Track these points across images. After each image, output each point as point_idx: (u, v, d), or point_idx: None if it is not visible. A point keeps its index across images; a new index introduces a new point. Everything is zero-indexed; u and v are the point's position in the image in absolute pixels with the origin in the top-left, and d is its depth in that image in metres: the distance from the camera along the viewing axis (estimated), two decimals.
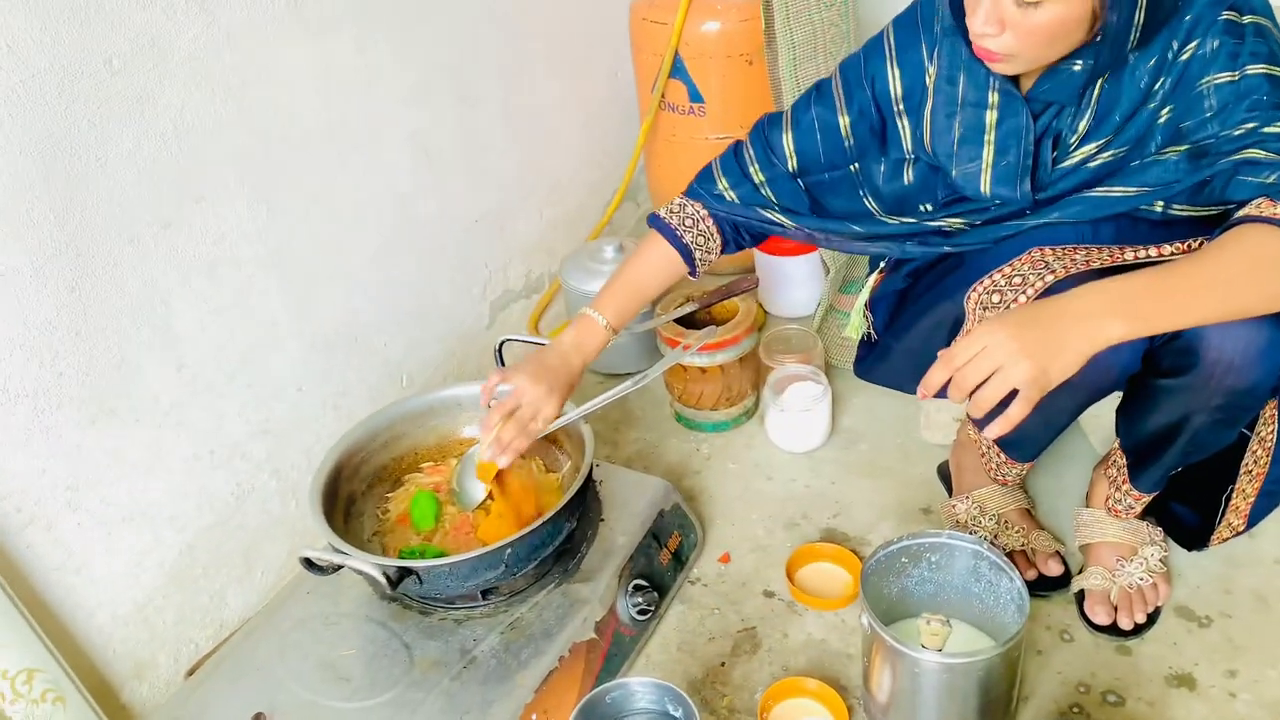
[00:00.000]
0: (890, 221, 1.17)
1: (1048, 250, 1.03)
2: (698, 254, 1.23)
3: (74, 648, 1.12)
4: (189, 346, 1.19)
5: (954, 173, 1.10)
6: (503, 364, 1.37)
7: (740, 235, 1.25)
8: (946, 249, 1.15)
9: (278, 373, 1.32)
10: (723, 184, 1.22)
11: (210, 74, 1.14)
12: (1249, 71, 0.92)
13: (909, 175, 1.15)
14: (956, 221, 1.13)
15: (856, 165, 1.17)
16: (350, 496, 1.25)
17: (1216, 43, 0.93)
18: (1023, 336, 0.87)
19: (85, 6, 1.00)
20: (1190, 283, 0.88)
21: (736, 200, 1.21)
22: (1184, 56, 0.95)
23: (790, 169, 1.19)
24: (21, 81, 0.96)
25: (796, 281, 1.76)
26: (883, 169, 1.16)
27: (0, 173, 0.96)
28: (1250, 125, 0.92)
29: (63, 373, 1.05)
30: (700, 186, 1.24)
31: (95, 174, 1.04)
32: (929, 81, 1.10)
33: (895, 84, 1.12)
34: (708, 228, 1.23)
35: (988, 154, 1.06)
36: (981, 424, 0.93)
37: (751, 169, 1.20)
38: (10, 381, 1.00)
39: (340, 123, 1.35)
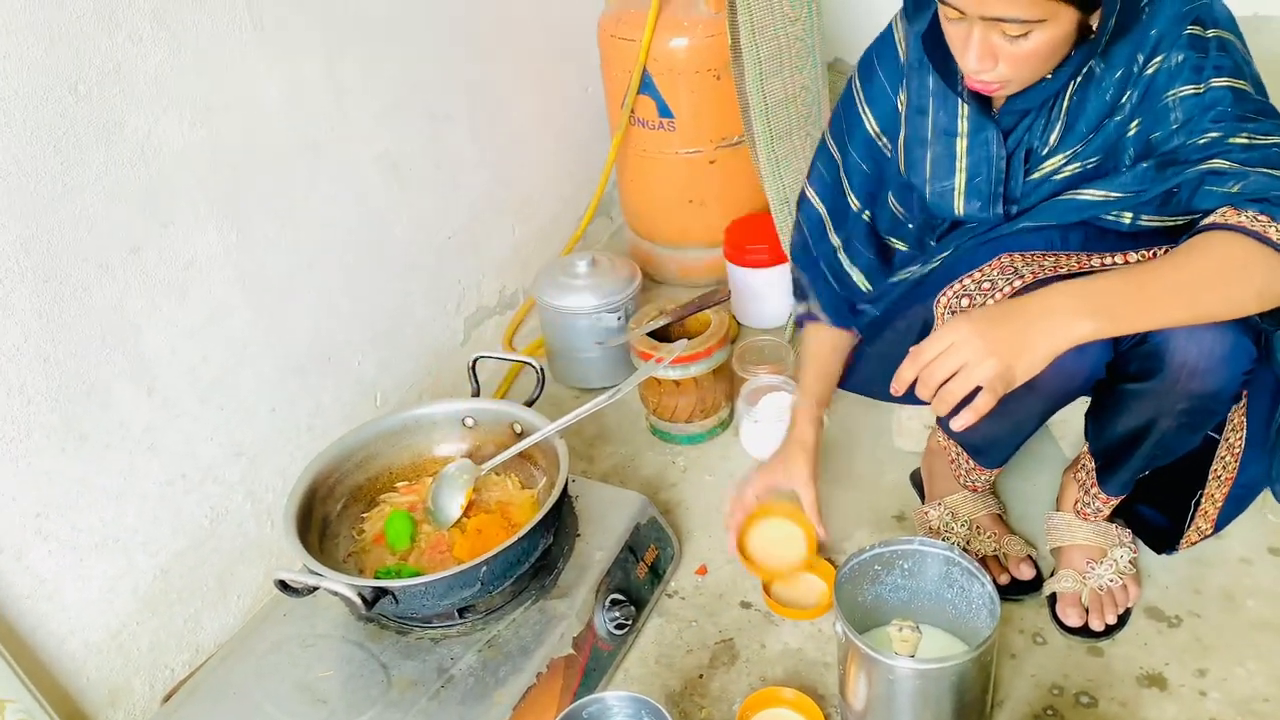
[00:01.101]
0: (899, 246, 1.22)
1: (1016, 256, 1.05)
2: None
3: (47, 677, 1.11)
4: (160, 370, 1.18)
5: (929, 195, 1.13)
6: (477, 382, 1.37)
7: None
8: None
9: (250, 394, 1.32)
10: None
11: (177, 97, 1.14)
12: (1213, 84, 0.95)
13: (894, 204, 1.19)
14: (947, 251, 1.15)
15: (869, 213, 1.21)
16: (325, 517, 1.25)
17: (1181, 56, 0.95)
18: (989, 334, 0.89)
19: (50, 32, 1.00)
20: (1157, 285, 0.90)
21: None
22: (1149, 70, 0.97)
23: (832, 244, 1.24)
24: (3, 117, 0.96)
25: (768, 293, 1.77)
26: (890, 199, 1.20)
27: None
28: (1214, 135, 0.94)
29: (31, 399, 1.04)
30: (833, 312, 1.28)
31: (62, 199, 1.04)
32: (900, 109, 1.13)
33: (870, 122, 1.17)
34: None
35: (960, 180, 1.09)
36: (946, 421, 0.94)
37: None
38: None
39: (310, 143, 1.35)
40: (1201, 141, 0.95)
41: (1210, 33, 0.96)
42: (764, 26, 1.60)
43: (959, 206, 1.10)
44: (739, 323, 1.84)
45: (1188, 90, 0.96)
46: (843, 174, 1.21)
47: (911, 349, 0.93)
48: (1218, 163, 0.94)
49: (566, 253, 1.97)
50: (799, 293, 1.32)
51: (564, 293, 1.67)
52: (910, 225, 1.19)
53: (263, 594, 1.36)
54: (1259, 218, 0.88)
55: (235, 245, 1.26)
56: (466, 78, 1.65)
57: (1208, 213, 0.93)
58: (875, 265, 1.24)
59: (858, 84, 1.18)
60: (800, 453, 1.28)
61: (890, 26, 1.15)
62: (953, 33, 0.97)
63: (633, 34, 1.75)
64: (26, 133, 0.99)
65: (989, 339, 0.89)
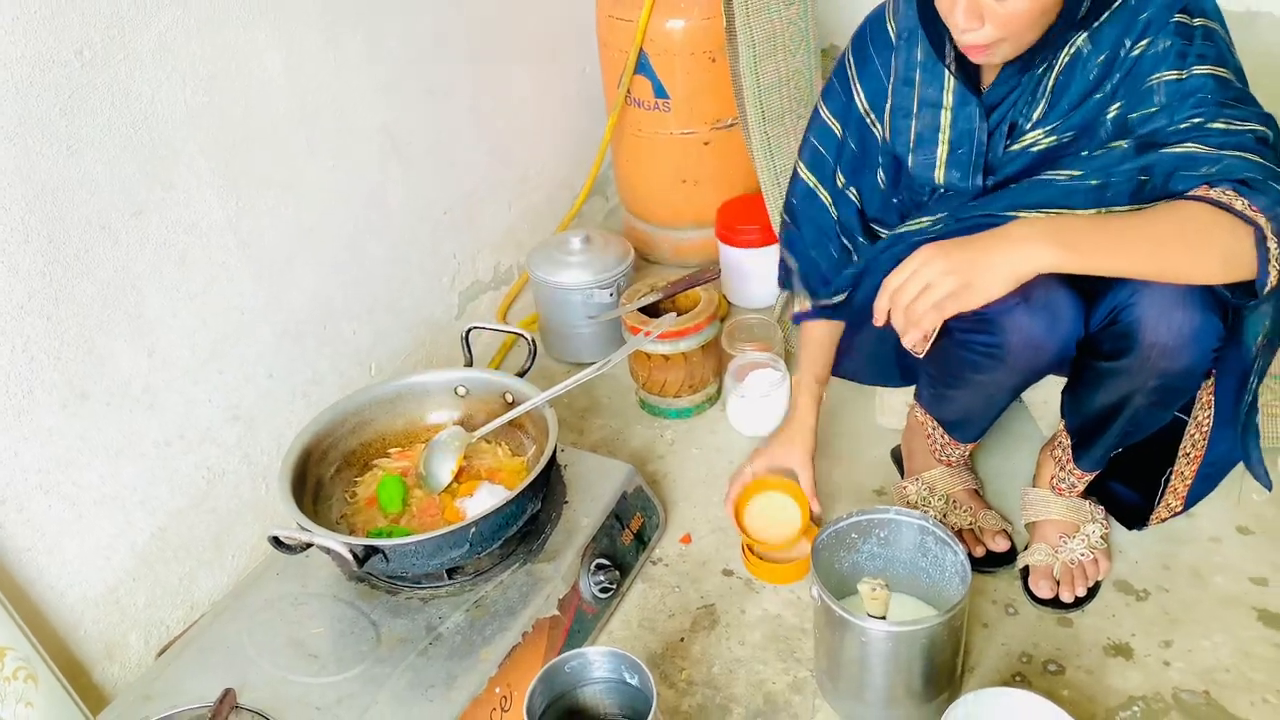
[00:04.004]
0: (886, 235, 1.24)
1: None
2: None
3: (45, 628, 1.14)
4: (161, 332, 1.21)
5: (910, 164, 1.15)
6: (470, 352, 1.40)
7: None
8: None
9: (248, 359, 1.35)
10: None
11: (180, 64, 1.17)
12: (1195, 71, 0.98)
13: (881, 177, 1.22)
14: (924, 221, 1.17)
15: (854, 189, 1.24)
16: (319, 480, 1.28)
17: (1168, 42, 0.98)
18: (951, 255, 0.95)
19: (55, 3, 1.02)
20: (1123, 229, 0.94)
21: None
22: (1135, 52, 1.00)
23: (826, 204, 1.27)
24: (11, 89, 0.98)
25: (758, 274, 1.80)
26: (878, 176, 1.23)
27: None
28: (1195, 120, 0.97)
29: (34, 357, 1.07)
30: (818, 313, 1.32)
31: (66, 161, 1.06)
32: (888, 86, 1.16)
33: (860, 96, 1.20)
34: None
35: (942, 150, 1.12)
36: (920, 388, 0.98)
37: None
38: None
39: (311, 113, 1.37)
40: (1183, 125, 0.98)
41: (1197, 21, 0.99)
42: (759, 9, 1.63)
43: (940, 176, 1.13)
44: (729, 301, 1.87)
45: (1171, 75, 0.98)
46: (841, 148, 1.24)
47: (889, 276, 0.98)
48: (1193, 147, 0.97)
49: (561, 230, 1.99)
50: (785, 278, 1.35)
51: (558, 269, 1.70)
52: (895, 200, 1.22)
53: (257, 554, 1.39)
54: (1226, 192, 0.92)
55: (236, 212, 1.28)
56: (466, 55, 1.68)
57: (1183, 194, 0.96)
58: (864, 242, 1.27)
59: (851, 63, 1.21)
60: (801, 433, 1.35)
61: (883, 7, 1.18)
62: None
63: (630, 14, 1.77)
64: (33, 95, 1.02)
65: (952, 259, 0.94)
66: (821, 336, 1.34)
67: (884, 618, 1.01)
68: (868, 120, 1.20)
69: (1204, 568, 1.26)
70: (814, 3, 1.70)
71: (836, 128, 1.24)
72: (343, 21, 1.40)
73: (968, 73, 1.08)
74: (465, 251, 1.78)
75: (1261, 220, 0.90)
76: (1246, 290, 0.94)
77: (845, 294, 1.26)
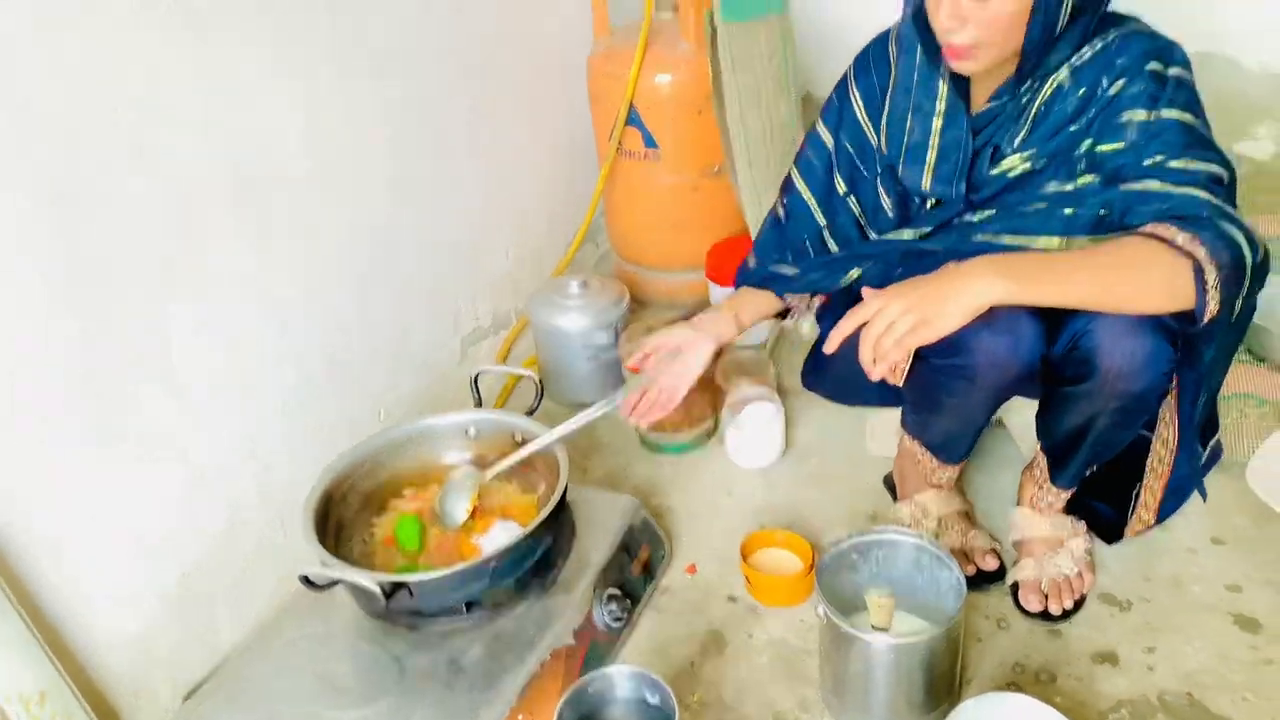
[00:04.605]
0: (872, 239, 1.35)
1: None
2: (796, 306, 1.46)
3: (78, 673, 1.17)
4: (186, 379, 1.26)
5: (900, 169, 1.26)
6: (479, 395, 1.47)
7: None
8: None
9: (266, 404, 1.40)
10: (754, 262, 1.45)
11: (207, 122, 1.23)
12: (1164, 114, 1.08)
13: (881, 189, 1.32)
14: (907, 233, 1.28)
15: (853, 197, 1.35)
16: (339, 521, 1.33)
17: (1142, 86, 1.08)
18: (911, 295, 1.04)
19: (95, 59, 1.08)
20: (1070, 264, 1.04)
21: (760, 275, 1.43)
22: (1112, 92, 1.10)
23: (819, 223, 1.39)
24: (37, 127, 1.04)
25: None
26: (877, 185, 1.33)
27: (18, 210, 1.03)
28: (1159, 158, 1.07)
29: (70, 403, 1.11)
30: (747, 274, 1.45)
31: (103, 213, 1.12)
32: (886, 97, 1.27)
33: (859, 106, 1.31)
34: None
35: (931, 156, 1.23)
36: (905, 416, 1.05)
37: (782, 241, 1.43)
38: (23, 413, 1.07)
39: (326, 167, 1.44)
40: (1146, 162, 1.08)
41: (1170, 71, 1.09)
42: (743, 65, 1.72)
43: (927, 181, 1.23)
44: None
45: (1142, 115, 1.08)
46: (834, 157, 1.35)
47: (853, 309, 1.08)
48: (1151, 184, 1.06)
49: (557, 275, 2.07)
50: (747, 272, 1.46)
51: (558, 312, 1.77)
52: (890, 214, 1.32)
53: (274, 596, 1.43)
54: (1170, 228, 1.01)
55: (257, 261, 1.34)
56: (467, 112, 1.76)
57: (1134, 227, 1.06)
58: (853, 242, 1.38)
59: (852, 77, 1.32)
60: (705, 341, 1.40)
61: (888, 30, 1.28)
62: None
63: (621, 70, 1.86)
64: (72, 152, 1.07)
65: (909, 299, 1.04)
66: (755, 295, 1.44)
67: (888, 629, 1.08)
68: (865, 130, 1.31)
69: (1182, 577, 1.34)
70: (794, 56, 1.80)
71: (828, 139, 1.35)
72: (356, 83, 1.48)
73: (960, 92, 1.19)
74: (466, 297, 1.85)
75: (1200, 253, 0.99)
76: (1191, 318, 1.03)
77: (797, 271, 1.38)
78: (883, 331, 1.05)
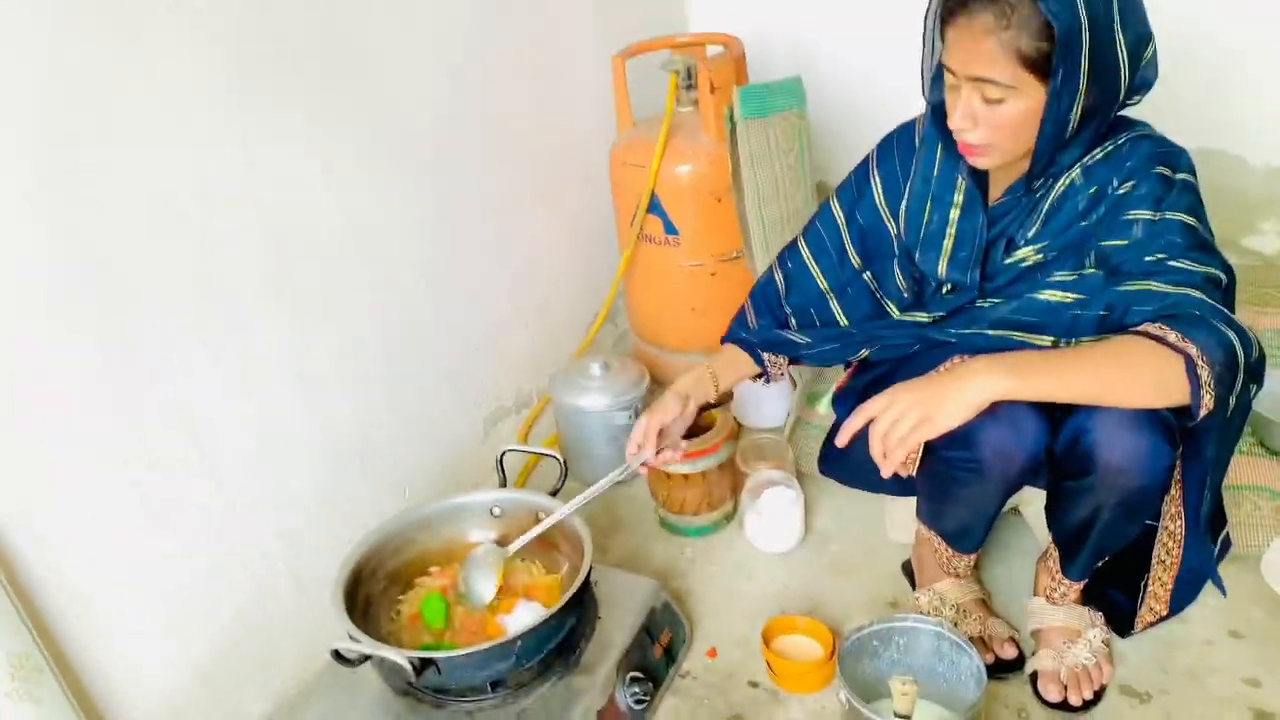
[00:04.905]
0: (887, 320, 1.40)
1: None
2: (770, 367, 1.49)
3: None
4: (223, 457, 1.30)
5: (918, 256, 1.31)
6: (504, 474, 1.50)
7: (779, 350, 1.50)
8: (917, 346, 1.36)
9: (297, 483, 1.44)
10: (753, 321, 1.50)
11: (252, 213, 1.30)
12: (1169, 216, 1.13)
13: (898, 272, 1.38)
14: (922, 316, 1.34)
15: (869, 273, 1.41)
16: (367, 598, 1.35)
17: (1149, 188, 1.14)
18: (915, 393, 1.09)
19: (151, 154, 1.15)
20: (1067, 361, 1.09)
21: (756, 340, 1.48)
22: (1121, 191, 1.16)
23: (820, 287, 1.44)
24: (96, 213, 1.10)
25: (767, 395, 1.92)
26: (894, 267, 1.39)
27: (73, 293, 1.08)
28: (1161, 257, 1.12)
29: (117, 482, 1.16)
30: (733, 333, 1.51)
31: (150, 294, 1.17)
32: (906, 184, 1.33)
33: (878, 192, 1.37)
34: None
35: (948, 244, 1.28)
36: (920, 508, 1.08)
37: (779, 292, 1.48)
38: (78, 490, 1.11)
39: (359, 251, 1.50)
40: (1148, 259, 1.13)
41: (1177, 176, 1.15)
42: (761, 157, 1.79)
43: (943, 267, 1.29)
44: (740, 423, 1.98)
45: (1147, 214, 1.14)
46: (845, 234, 1.41)
47: (861, 405, 1.12)
48: (1152, 284, 1.11)
49: (577, 356, 2.12)
50: (736, 331, 1.51)
51: (579, 393, 1.81)
52: (906, 295, 1.38)
53: (300, 673, 1.44)
54: (1163, 327, 1.06)
55: (291, 345, 1.39)
56: (494, 195, 1.83)
57: (1133, 325, 1.11)
58: (867, 315, 1.43)
59: (874, 160, 1.39)
60: (675, 401, 1.42)
61: (913, 121, 1.35)
62: (949, 97, 1.17)
63: (642, 161, 1.93)
64: (128, 238, 1.13)
65: (915, 396, 1.09)
66: (735, 358, 1.49)
67: (910, 716, 1.09)
68: (882, 214, 1.37)
69: (1199, 670, 1.35)
70: (810, 151, 1.87)
71: (841, 216, 1.42)
72: (391, 173, 1.55)
73: (978, 185, 1.25)
74: (490, 377, 1.89)
75: (1192, 350, 1.03)
76: (1189, 413, 1.07)
77: (808, 340, 1.43)
78: (888, 427, 1.09)
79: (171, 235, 1.19)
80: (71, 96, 1.05)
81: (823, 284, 1.44)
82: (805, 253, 1.46)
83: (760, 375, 1.51)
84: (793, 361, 1.50)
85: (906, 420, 1.08)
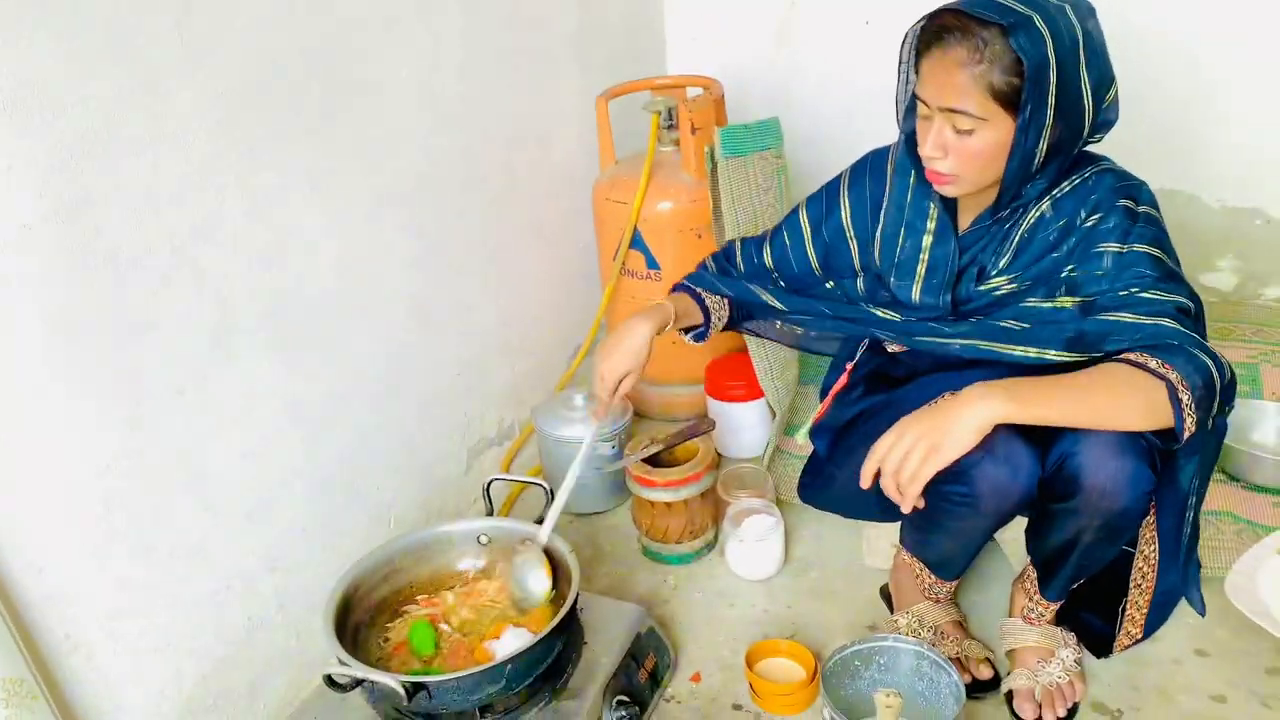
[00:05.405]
0: (851, 307, 1.45)
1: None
2: (713, 316, 1.52)
3: None
4: (216, 488, 1.32)
5: (892, 281, 1.36)
6: (490, 503, 1.53)
7: (741, 309, 1.54)
8: (879, 334, 1.42)
9: (286, 514, 1.45)
10: (714, 273, 1.55)
11: (249, 249, 1.33)
12: (1135, 248, 1.19)
13: (860, 285, 1.44)
14: (891, 314, 1.39)
15: (832, 283, 1.47)
16: (356, 626, 1.37)
17: (1115, 221, 1.20)
18: (920, 426, 1.13)
19: (156, 196, 1.18)
20: (1060, 385, 1.13)
21: (730, 292, 1.52)
22: (1089, 224, 1.21)
23: (771, 274, 1.50)
24: (104, 256, 1.13)
25: (746, 425, 1.96)
26: (857, 282, 1.45)
27: (78, 334, 1.11)
28: (1133, 289, 1.18)
29: (113, 512, 1.17)
30: (698, 278, 1.54)
31: (151, 334, 1.19)
32: (881, 210, 1.38)
33: (846, 214, 1.42)
34: (720, 301, 1.52)
35: (921, 269, 1.33)
36: (905, 534, 1.12)
37: (739, 268, 1.54)
38: (74, 517, 1.13)
39: (351, 286, 1.53)
40: (1120, 292, 1.19)
41: (1141, 209, 1.21)
42: (741, 195, 1.85)
43: (916, 293, 1.34)
44: (719, 453, 2.01)
45: (1114, 247, 1.20)
46: (810, 246, 1.47)
47: (872, 448, 1.16)
48: (1126, 316, 1.17)
49: (560, 388, 2.15)
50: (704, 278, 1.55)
51: (563, 424, 1.84)
52: (873, 304, 1.43)
53: (285, 702, 1.45)
54: (1143, 355, 1.11)
55: (285, 379, 1.42)
56: (479, 236, 1.87)
57: (1112, 354, 1.16)
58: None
59: (846, 183, 1.44)
60: (642, 324, 1.45)
61: (886, 149, 1.41)
62: (921, 127, 1.22)
63: (625, 197, 1.99)
64: (132, 278, 1.16)
65: (921, 429, 1.12)
66: (689, 300, 1.52)
67: None
68: (847, 235, 1.43)
69: (1169, 688, 1.39)
70: (789, 187, 1.93)
71: (807, 229, 1.47)
72: (382, 212, 1.59)
73: (949, 213, 1.31)
74: (475, 409, 1.92)
75: (1172, 376, 1.09)
76: (1173, 435, 1.12)
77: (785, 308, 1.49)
78: (899, 463, 1.13)
79: (170, 269, 1.22)
80: (80, 131, 1.08)
81: (780, 286, 1.50)
82: (767, 256, 1.52)
83: (696, 329, 1.54)
84: (739, 319, 1.56)
85: (916, 453, 1.12)
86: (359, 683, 1.19)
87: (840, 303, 1.46)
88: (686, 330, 1.54)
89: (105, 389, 1.15)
